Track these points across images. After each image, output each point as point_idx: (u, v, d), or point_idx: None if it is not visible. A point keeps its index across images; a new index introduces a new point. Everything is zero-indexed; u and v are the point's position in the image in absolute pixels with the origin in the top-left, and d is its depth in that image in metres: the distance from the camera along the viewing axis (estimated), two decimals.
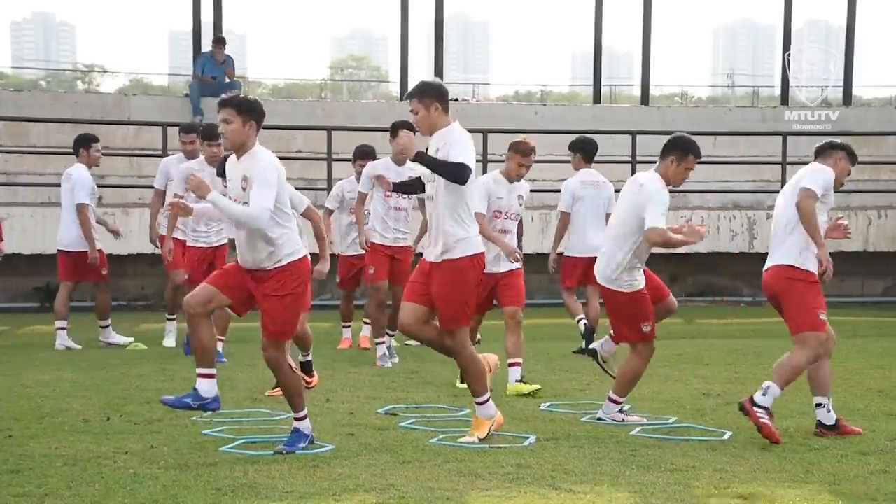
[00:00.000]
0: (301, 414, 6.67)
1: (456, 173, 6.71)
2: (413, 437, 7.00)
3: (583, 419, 7.74)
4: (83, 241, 11.54)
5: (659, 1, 47.48)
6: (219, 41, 19.76)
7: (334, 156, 16.59)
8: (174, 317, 11.83)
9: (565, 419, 7.76)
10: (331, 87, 56.62)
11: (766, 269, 7.42)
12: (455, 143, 6.79)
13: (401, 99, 20.42)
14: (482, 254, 7.00)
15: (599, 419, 7.69)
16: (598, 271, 7.66)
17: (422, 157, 6.80)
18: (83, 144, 11.77)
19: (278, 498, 5.52)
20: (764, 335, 13.43)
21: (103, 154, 12.38)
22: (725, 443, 6.98)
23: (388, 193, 10.12)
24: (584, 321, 11.21)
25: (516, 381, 8.80)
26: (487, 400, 7.03)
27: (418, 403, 8.28)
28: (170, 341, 11.74)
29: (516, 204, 9.00)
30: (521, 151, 8.83)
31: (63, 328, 11.64)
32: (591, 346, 8.27)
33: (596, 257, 11.39)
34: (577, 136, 11.86)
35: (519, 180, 9.00)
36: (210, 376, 6.61)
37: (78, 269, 11.65)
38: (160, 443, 6.72)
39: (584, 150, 11.30)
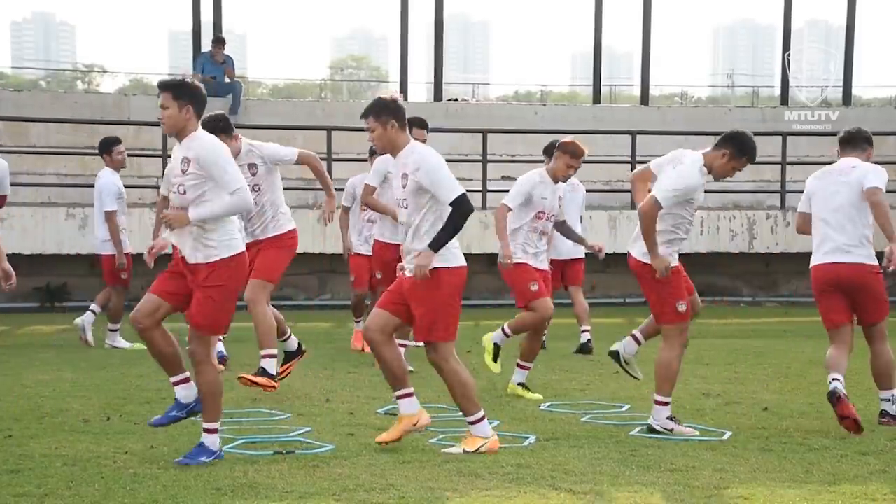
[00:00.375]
0: (213, 425, 6.28)
1: (463, 217, 6.50)
2: (413, 437, 6.99)
3: (583, 419, 7.73)
4: (109, 244, 11.59)
5: (659, 1, 47.56)
6: (218, 41, 19.78)
7: (334, 156, 16.57)
8: None
9: (565, 419, 7.76)
10: (331, 87, 56.61)
11: (837, 264, 7.41)
12: (431, 172, 6.52)
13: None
14: (462, 268, 6.65)
15: (649, 427, 7.22)
16: (634, 247, 7.30)
17: (433, 248, 6.48)
18: (106, 149, 11.76)
19: (278, 498, 5.52)
20: (764, 335, 13.44)
21: None
22: (725, 443, 6.97)
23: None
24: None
25: (519, 383, 8.78)
26: (482, 418, 6.65)
27: None
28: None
29: (557, 206, 8.81)
30: (571, 153, 8.58)
31: (95, 312, 11.79)
32: (613, 349, 8.06)
33: (572, 259, 11.58)
34: (553, 139, 11.88)
35: (565, 181, 8.84)
36: (184, 381, 6.43)
37: (107, 271, 11.71)
38: (160, 443, 6.71)
39: None
